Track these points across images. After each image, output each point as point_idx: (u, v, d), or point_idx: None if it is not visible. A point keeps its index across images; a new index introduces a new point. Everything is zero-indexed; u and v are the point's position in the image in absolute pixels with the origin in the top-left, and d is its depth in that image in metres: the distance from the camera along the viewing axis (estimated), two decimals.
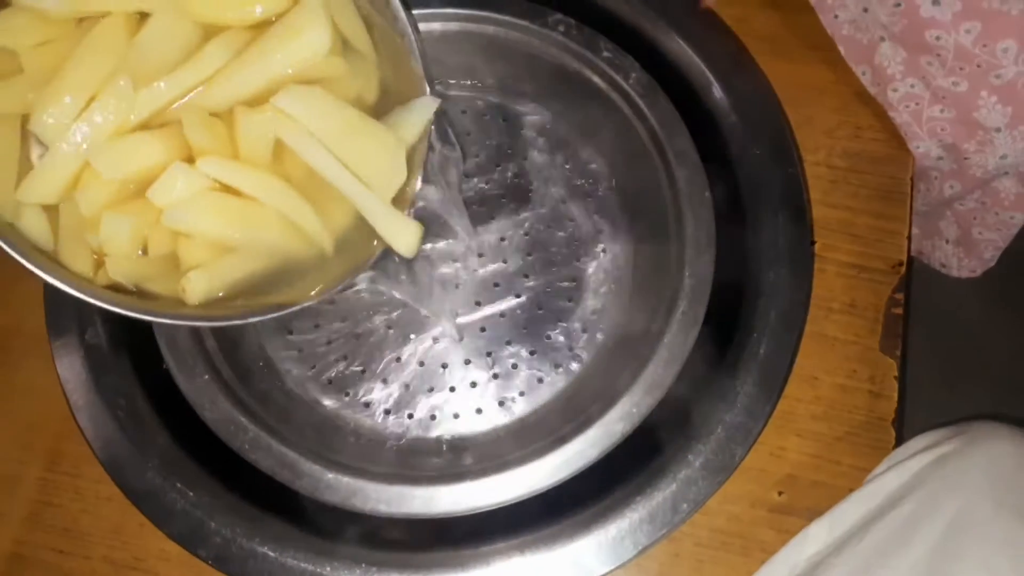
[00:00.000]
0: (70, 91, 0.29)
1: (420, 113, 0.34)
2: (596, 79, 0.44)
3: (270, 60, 0.31)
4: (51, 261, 0.31)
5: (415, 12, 0.35)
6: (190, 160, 0.30)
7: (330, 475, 0.38)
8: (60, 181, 0.30)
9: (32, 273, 0.30)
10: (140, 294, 0.31)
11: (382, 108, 0.34)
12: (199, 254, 0.31)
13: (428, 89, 0.34)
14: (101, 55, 0.29)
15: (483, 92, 0.49)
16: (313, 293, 0.33)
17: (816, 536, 0.37)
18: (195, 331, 0.41)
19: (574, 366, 0.44)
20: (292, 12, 0.31)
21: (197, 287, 0.31)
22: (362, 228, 0.33)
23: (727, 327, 0.40)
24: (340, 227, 0.33)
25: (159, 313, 0.31)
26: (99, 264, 0.31)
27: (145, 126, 0.31)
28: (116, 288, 0.31)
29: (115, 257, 0.31)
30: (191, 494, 0.39)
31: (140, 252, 0.32)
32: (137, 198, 0.30)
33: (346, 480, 0.38)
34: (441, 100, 0.34)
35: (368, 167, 0.32)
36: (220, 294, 0.32)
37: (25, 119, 0.30)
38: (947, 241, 0.64)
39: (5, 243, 0.29)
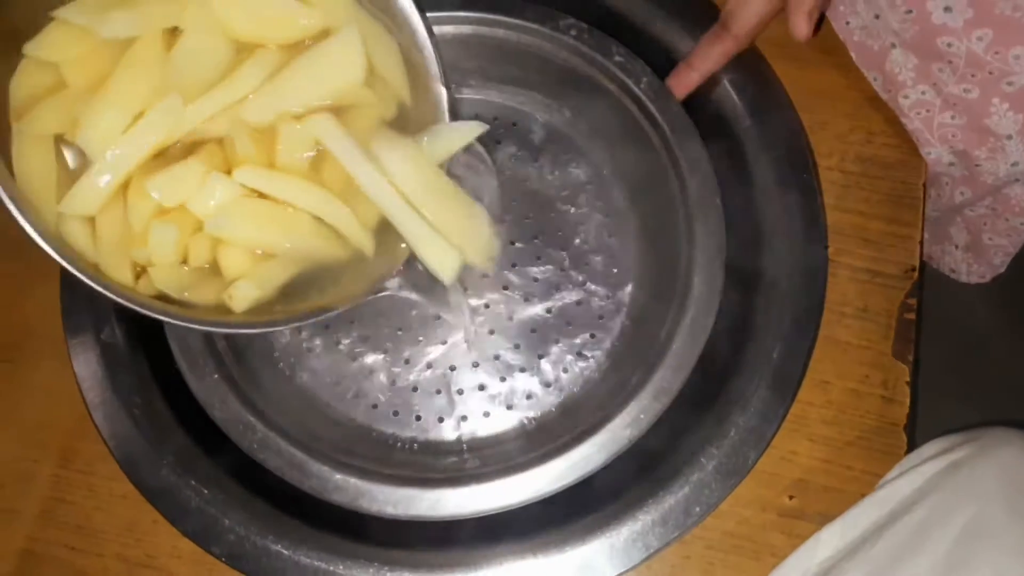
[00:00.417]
0: (116, 106, 0.30)
1: (459, 136, 0.34)
2: (607, 83, 0.44)
3: (304, 87, 0.31)
4: (99, 273, 0.31)
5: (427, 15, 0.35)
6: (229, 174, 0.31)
7: (338, 476, 0.38)
8: (103, 194, 0.30)
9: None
10: (180, 303, 0.32)
11: (399, 123, 0.34)
12: (240, 262, 0.32)
13: (446, 105, 0.34)
14: (144, 70, 0.30)
15: (494, 96, 0.49)
16: (353, 296, 0.33)
17: (828, 541, 0.37)
18: (206, 332, 0.41)
19: (582, 371, 0.44)
20: (329, 41, 0.31)
21: (247, 295, 0.31)
22: (389, 231, 0.33)
23: (740, 331, 0.40)
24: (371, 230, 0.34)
25: (210, 322, 0.31)
26: (138, 275, 0.32)
27: (179, 143, 0.31)
28: (160, 298, 0.32)
29: (160, 267, 0.31)
30: (206, 491, 0.39)
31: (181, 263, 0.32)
32: (176, 210, 0.31)
33: (354, 481, 0.38)
34: (487, 127, 0.34)
35: (457, 232, 0.33)
36: (264, 302, 0.32)
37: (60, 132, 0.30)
38: (957, 247, 0.64)
39: (63, 259, 0.29)
